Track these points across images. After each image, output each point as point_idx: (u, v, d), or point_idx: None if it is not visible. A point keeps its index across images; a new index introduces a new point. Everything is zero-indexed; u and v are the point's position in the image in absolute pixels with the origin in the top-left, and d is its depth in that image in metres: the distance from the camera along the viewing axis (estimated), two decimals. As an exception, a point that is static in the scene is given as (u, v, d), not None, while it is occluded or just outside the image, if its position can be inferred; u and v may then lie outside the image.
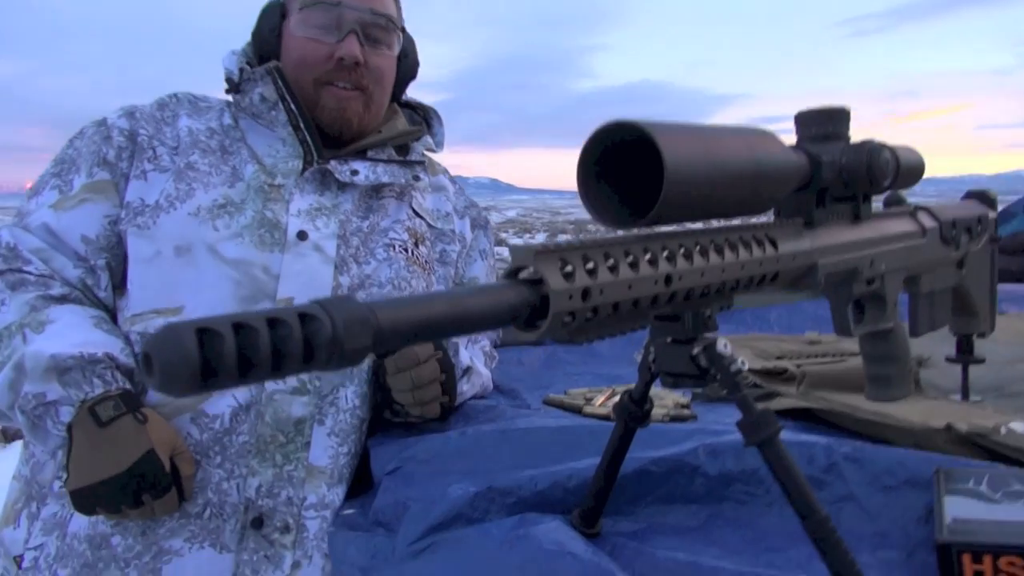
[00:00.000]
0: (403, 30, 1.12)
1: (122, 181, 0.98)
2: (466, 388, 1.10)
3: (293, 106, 1.03)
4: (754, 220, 0.65)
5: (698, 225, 0.58)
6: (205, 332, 0.31)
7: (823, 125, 0.72)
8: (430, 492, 0.77)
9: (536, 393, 1.21)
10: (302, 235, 0.98)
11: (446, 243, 1.15)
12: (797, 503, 0.52)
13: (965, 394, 1.07)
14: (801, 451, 0.71)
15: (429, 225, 1.13)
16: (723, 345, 0.56)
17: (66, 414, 0.85)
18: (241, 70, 1.04)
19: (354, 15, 1.03)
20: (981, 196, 1.08)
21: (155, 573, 0.89)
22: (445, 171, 1.24)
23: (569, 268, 0.46)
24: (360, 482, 0.96)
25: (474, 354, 1.15)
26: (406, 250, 1.06)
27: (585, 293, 0.46)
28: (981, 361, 1.08)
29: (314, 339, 0.34)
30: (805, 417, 1.03)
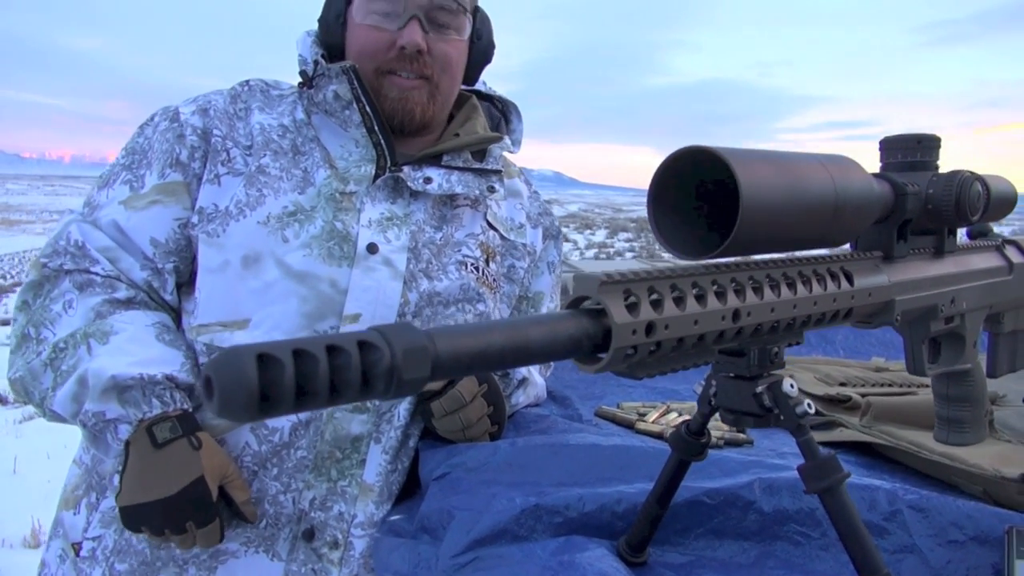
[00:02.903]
0: (476, 10, 1.06)
1: (194, 182, 0.97)
2: (521, 399, 1.08)
3: (368, 108, 1.00)
4: (829, 252, 0.62)
5: (770, 256, 0.56)
6: (265, 358, 0.31)
7: (911, 152, 0.69)
8: (476, 502, 0.76)
9: (589, 404, 1.19)
10: (372, 248, 0.95)
11: (516, 258, 1.11)
12: (857, 557, 0.50)
13: (1043, 439, 1.02)
14: (863, 495, 0.68)
15: (502, 237, 1.09)
16: (789, 385, 0.54)
17: (124, 432, 0.86)
18: (315, 62, 1.00)
19: (417, 1, 0.98)
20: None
21: (211, 571, 0.91)
22: (520, 172, 1.20)
23: (633, 299, 0.44)
24: (408, 484, 0.96)
25: None
26: (477, 268, 1.03)
27: (649, 327, 0.44)
28: (1063, 405, 1.02)
29: (372, 369, 0.33)
30: (867, 451, 0.99)
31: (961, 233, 0.80)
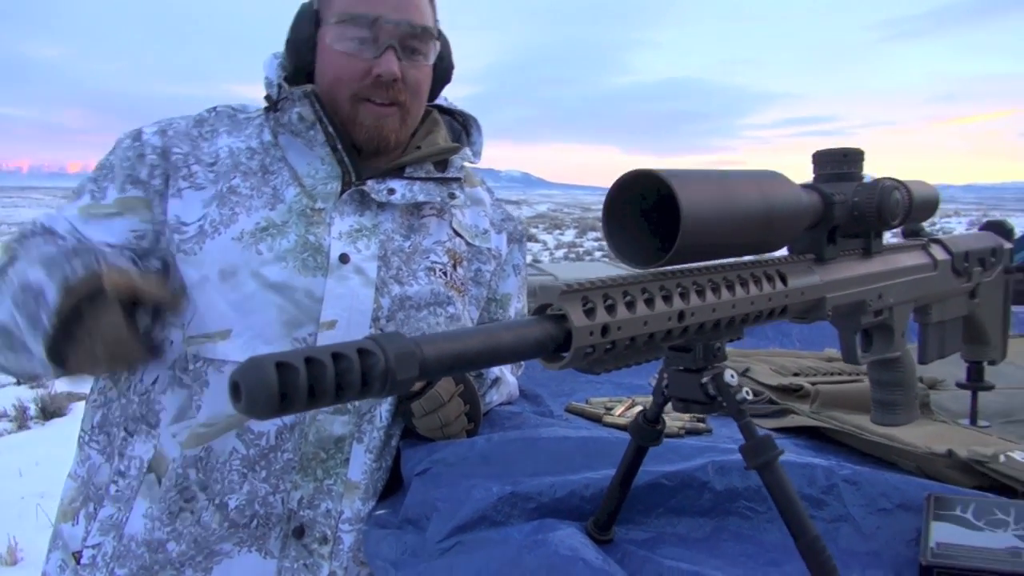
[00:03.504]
0: (440, 33, 1.11)
1: (156, 199, 1.01)
2: (495, 397, 1.15)
3: (331, 128, 1.04)
4: (767, 256, 0.70)
5: (713, 262, 0.63)
6: (282, 366, 0.37)
7: (838, 165, 0.77)
8: (457, 494, 0.83)
9: (559, 400, 1.26)
10: (344, 258, 1.01)
11: (482, 262, 1.16)
12: (791, 523, 0.57)
13: (973, 419, 1.11)
14: (803, 472, 0.76)
15: (467, 243, 1.15)
16: (730, 375, 0.61)
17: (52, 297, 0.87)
18: (279, 86, 1.05)
19: (392, 29, 1.02)
20: (997, 227, 1.11)
21: (207, 572, 0.96)
22: (483, 181, 1.25)
23: (590, 305, 0.51)
24: (391, 482, 1.02)
25: None
26: (445, 273, 1.09)
27: (604, 329, 0.51)
28: (990, 388, 1.11)
29: (370, 372, 0.40)
30: (816, 435, 1.08)
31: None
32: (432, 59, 1.09)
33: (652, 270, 0.57)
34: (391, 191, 1.06)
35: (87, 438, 1.04)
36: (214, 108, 1.10)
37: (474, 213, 1.19)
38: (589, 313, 0.51)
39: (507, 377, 1.19)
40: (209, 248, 0.99)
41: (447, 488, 0.85)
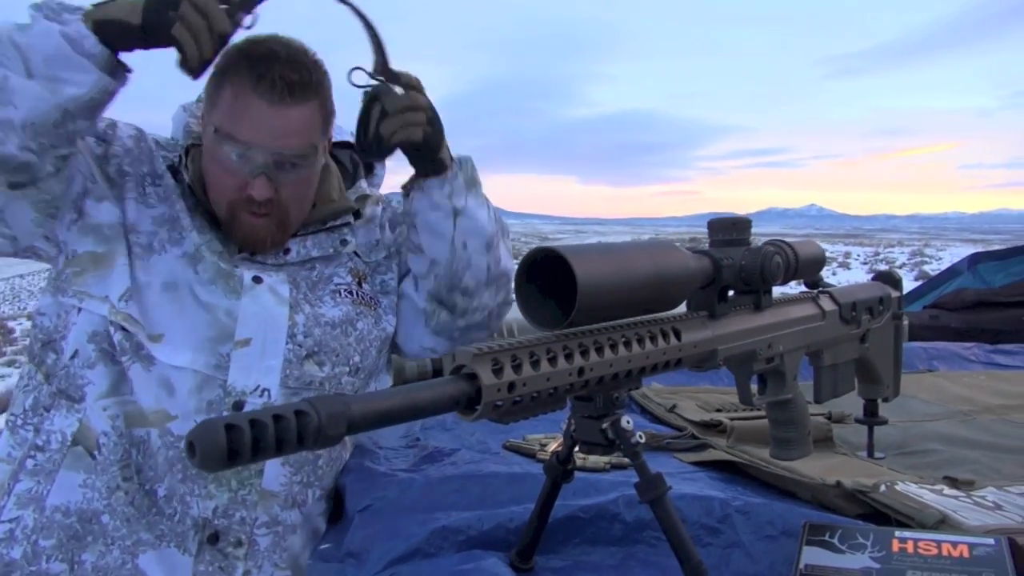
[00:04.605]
0: (328, 116, 1.13)
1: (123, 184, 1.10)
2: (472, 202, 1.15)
3: (200, 219, 1.13)
4: (665, 314, 0.80)
5: (615, 322, 0.73)
6: (230, 427, 0.45)
7: (728, 232, 0.88)
8: (394, 528, 0.90)
9: (498, 437, 1.35)
10: (257, 280, 1.09)
11: (382, 273, 1.24)
12: (678, 550, 0.67)
13: (870, 452, 1.22)
14: (702, 504, 0.85)
15: (365, 262, 1.23)
16: (626, 422, 0.70)
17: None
18: (180, 157, 1.14)
19: (263, 157, 1.04)
20: (886, 277, 1.24)
21: (133, 557, 1.00)
22: (379, 199, 1.30)
23: (498, 365, 0.60)
24: (336, 517, 1.09)
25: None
26: (351, 292, 1.17)
27: (511, 386, 0.60)
28: (884, 423, 1.23)
29: (305, 429, 0.48)
30: (730, 467, 1.18)
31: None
32: (319, 162, 1.13)
33: (558, 332, 0.67)
34: (287, 251, 1.14)
35: (20, 421, 1.06)
36: (175, 139, 1.20)
37: (367, 231, 1.25)
38: (497, 372, 0.60)
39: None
40: (156, 261, 1.07)
41: (386, 523, 0.93)
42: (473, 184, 1.16)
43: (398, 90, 1.03)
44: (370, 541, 0.91)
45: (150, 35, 0.95)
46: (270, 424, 0.47)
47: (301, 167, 1.09)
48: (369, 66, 1.03)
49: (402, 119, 1.03)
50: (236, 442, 0.45)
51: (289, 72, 1.03)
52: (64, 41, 0.93)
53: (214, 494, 1.03)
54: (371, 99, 1.03)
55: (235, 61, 1.04)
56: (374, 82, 1.03)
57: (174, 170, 1.14)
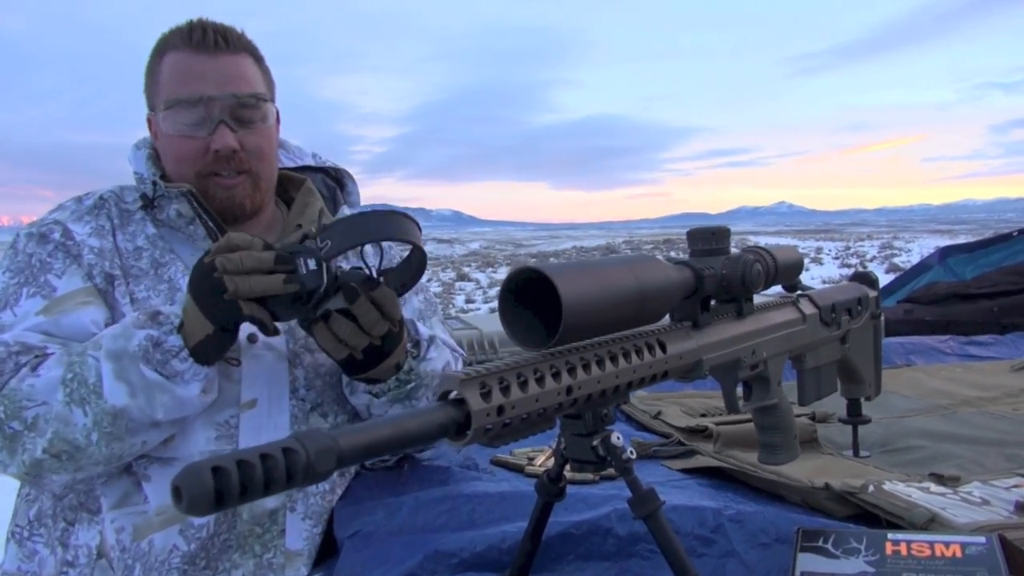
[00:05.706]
0: (272, 86, 1.13)
1: (110, 289, 1.03)
2: (434, 354, 1.11)
3: (211, 223, 1.08)
4: (649, 327, 0.80)
5: (600, 338, 0.72)
6: (217, 469, 0.44)
7: (708, 242, 0.88)
8: (385, 554, 0.89)
9: (485, 453, 1.34)
10: (252, 338, 1.04)
11: None
12: (673, 563, 0.66)
13: (855, 451, 1.23)
14: (695, 514, 0.85)
15: None
16: (616, 438, 0.70)
17: (174, 339, 0.92)
18: (155, 184, 1.07)
19: (219, 105, 1.04)
20: (863, 278, 1.25)
21: None
22: None
23: (487, 389, 0.59)
24: (325, 545, 1.07)
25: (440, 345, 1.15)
26: None
27: (500, 409, 0.59)
28: (867, 421, 1.24)
29: (294, 467, 0.47)
30: (718, 472, 1.18)
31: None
32: (271, 120, 1.12)
33: (544, 351, 0.66)
34: None
35: (26, 533, 1.04)
36: (101, 197, 1.11)
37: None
38: (486, 396, 0.59)
39: (444, 339, 1.20)
40: None
41: (377, 548, 0.92)
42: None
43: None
44: (361, 568, 0.89)
45: (227, 329, 0.94)
46: (257, 464, 0.46)
47: (256, 119, 1.09)
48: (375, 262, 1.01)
49: (357, 336, 0.96)
50: (223, 484, 0.44)
51: (217, 27, 1.08)
52: (188, 405, 0.96)
53: (239, 563, 1.00)
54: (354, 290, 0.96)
55: (163, 38, 1.09)
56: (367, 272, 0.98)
57: (147, 201, 1.09)
